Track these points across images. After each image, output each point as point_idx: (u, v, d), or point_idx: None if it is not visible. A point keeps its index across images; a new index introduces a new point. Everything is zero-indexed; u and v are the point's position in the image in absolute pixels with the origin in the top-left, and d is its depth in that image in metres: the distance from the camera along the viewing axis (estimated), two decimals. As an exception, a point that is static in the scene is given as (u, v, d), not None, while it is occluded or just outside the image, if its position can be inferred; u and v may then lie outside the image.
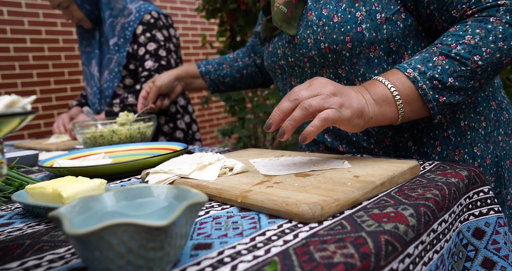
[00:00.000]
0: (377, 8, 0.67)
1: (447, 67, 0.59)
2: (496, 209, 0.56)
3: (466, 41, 0.59)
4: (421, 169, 0.61)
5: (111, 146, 0.95)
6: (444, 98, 0.60)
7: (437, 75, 0.59)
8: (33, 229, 0.46)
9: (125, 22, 1.42)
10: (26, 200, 0.51)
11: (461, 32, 0.60)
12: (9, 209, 0.56)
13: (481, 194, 0.57)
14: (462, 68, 0.59)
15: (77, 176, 0.57)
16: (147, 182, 0.63)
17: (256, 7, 2.74)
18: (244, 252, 0.35)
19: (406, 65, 0.61)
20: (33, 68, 2.92)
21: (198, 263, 0.33)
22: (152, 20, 1.41)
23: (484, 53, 0.58)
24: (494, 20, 0.59)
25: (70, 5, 1.39)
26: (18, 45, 2.83)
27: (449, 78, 0.59)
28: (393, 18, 0.67)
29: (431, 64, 0.60)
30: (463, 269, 0.53)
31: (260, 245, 0.36)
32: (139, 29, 1.40)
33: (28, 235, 0.44)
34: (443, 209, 0.46)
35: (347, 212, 0.43)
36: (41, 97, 2.97)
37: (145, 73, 1.39)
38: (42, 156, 1.06)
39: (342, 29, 0.68)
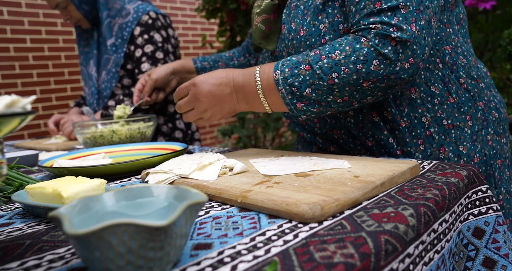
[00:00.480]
0: (339, 19, 0.67)
1: (307, 78, 0.62)
2: (494, 207, 0.56)
3: (333, 55, 0.61)
4: (421, 168, 0.61)
5: (111, 146, 0.95)
6: (302, 105, 0.64)
7: (296, 84, 0.63)
8: (33, 229, 0.46)
9: (123, 22, 1.41)
10: (26, 200, 0.51)
11: (337, 45, 0.62)
12: (9, 209, 0.56)
13: (479, 193, 0.57)
14: (320, 82, 0.61)
15: (77, 176, 0.57)
16: (147, 182, 0.63)
17: (256, 7, 2.73)
18: (244, 252, 0.35)
19: (280, 64, 0.66)
20: (33, 68, 2.92)
21: (198, 263, 0.33)
22: (150, 21, 1.40)
23: (342, 73, 0.60)
24: (364, 41, 0.60)
25: (68, 6, 1.39)
26: (18, 45, 2.83)
27: (307, 89, 0.62)
28: None
29: (296, 71, 0.63)
30: (465, 268, 0.53)
31: (260, 245, 0.36)
32: (137, 30, 1.39)
33: (28, 235, 0.44)
34: (443, 209, 0.46)
35: (347, 212, 0.43)
36: (41, 97, 2.97)
37: (141, 76, 1.39)
38: (42, 156, 1.06)
39: (308, 42, 0.70)
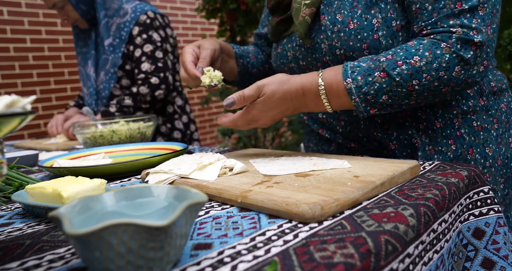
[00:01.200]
0: (392, 15, 0.66)
1: (384, 86, 0.61)
2: (496, 209, 0.56)
3: (412, 61, 0.60)
4: (421, 169, 0.61)
5: (111, 146, 0.95)
6: (375, 110, 0.64)
7: (372, 92, 0.61)
8: (33, 229, 0.46)
9: (121, 22, 1.41)
10: (26, 200, 0.51)
11: (413, 50, 0.61)
12: (9, 209, 0.56)
13: (481, 194, 0.57)
14: (398, 89, 0.61)
15: (77, 176, 0.57)
16: (147, 182, 0.63)
17: (256, 7, 2.74)
18: (244, 252, 0.35)
19: (350, 71, 0.63)
20: (33, 68, 2.92)
21: (198, 263, 0.33)
22: (148, 21, 1.40)
23: (424, 80, 0.60)
24: (444, 47, 0.59)
25: (65, 6, 1.38)
26: (18, 45, 2.83)
27: (383, 96, 0.61)
28: (407, 26, 0.67)
29: (370, 79, 0.61)
30: (463, 269, 0.53)
31: (260, 245, 0.36)
32: (135, 30, 1.39)
33: (28, 235, 0.44)
34: (443, 209, 0.46)
35: (347, 212, 0.43)
36: (41, 97, 2.97)
37: (142, 75, 1.38)
38: (42, 156, 1.06)
39: (359, 36, 0.67)
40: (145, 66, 1.38)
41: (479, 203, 0.56)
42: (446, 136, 0.72)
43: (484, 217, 0.55)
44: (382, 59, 0.62)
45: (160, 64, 1.39)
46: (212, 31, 4.30)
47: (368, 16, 0.67)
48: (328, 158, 0.66)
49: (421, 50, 0.60)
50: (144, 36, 1.39)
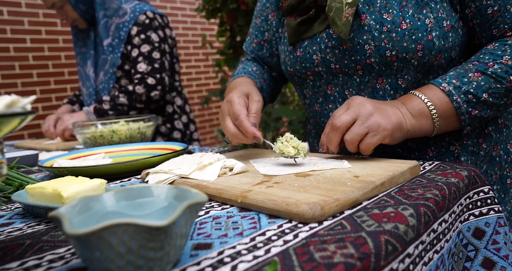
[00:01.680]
0: (442, 15, 0.65)
1: (482, 83, 0.61)
2: (496, 209, 0.56)
3: (503, 61, 0.61)
4: (421, 169, 0.61)
5: (111, 146, 0.95)
6: (477, 112, 0.62)
7: (471, 90, 0.61)
8: (33, 229, 0.46)
9: (120, 22, 1.40)
10: (26, 200, 0.51)
11: (499, 52, 0.62)
12: (9, 209, 0.56)
13: (481, 194, 0.57)
14: (498, 86, 0.61)
15: (77, 176, 0.57)
16: (147, 182, 0.63)
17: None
18: (244, 252, 0.35)
19: (440, 80, 0.63)
20: (33, 68, 2.92)
21: (198, 263, 0.33)
22: (147, 21, 1.40)
23: None
24: None
25: (64, 5, 1.38)
26: (18, 45, 2.83)
27: (484, 94, 0.61)
28: (455, 25, 0.67)
29: (466, 80, 0.62)
30: (463, 269, 0.53)
31: (260, 245, 0.36)
32: (134, 30, 1.39)
33: (28, 235, 0.44)
34: (443, 209, 0.46)
35: (347, 212, 0.43)
36: (41, 97, 2.97)
37: (138, 75, 1.38)
38: (42, 156, 1.06)
39: (413, 37, 0.65)
40: (142, 66, 1.38)
41: (479, 203, 0.56)
42: (476, 135, 0.72)
43: (484, 217, 0.55)
44: (469, 65, 0.63)
45: (156, 65, 1.39)
46: (212, 31, 4.30)
47: (421, 16, 0.65)
48: (328, 158, 0.66)
49: (508, 50, 0.61)
50: (142, 36, 1.39)
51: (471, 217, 0.55)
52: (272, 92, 0.97)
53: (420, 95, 0.63)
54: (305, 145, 0.62)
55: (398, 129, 0.60)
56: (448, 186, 0.50)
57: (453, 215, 0.50)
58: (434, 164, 0.63)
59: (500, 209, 0.56)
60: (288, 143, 0.62)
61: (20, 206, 0.58)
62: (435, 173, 0.57)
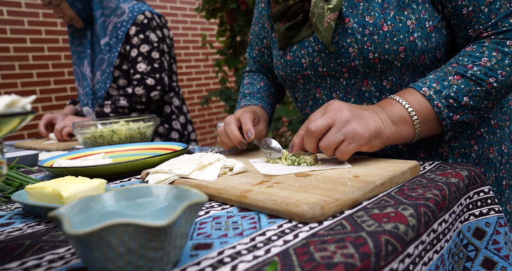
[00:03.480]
0: (424, 16, 0.65)
1: (462, 86, 0.60)
2: (496, 209, 0.56)
3: (482, 63, 0.60)
4: (421, 169, 0.61)
5: (111, 146, 0.95)
6: (458, 116, 0.61)
7: (452, 94, 0.60)
8: (33, 229, 0.46)
9: (118, 21, 1.40)
10: (26, 200, 0.51)
11: (477, 54, 0.61)
12: (9, 209, 0.56)
13: (481, 194, 0.57)
14: (477, 88, 0.60)
15: (77, 176, 0.57)
16: (147, 182, 0.63)
17: (256, 7, 2.73)
18: (244, 252, 0.35)
19: (421, 84, 0.62)
20: (33, 68, 2.92)
21: (198, 263, 0.33)
22: (145, 21, 1.39)
23: (500, 76, 0.59)
24: (510, 44, 0.60)
25: (61, 3, 1.37)
26: (18, 45, 2.83)
27: (464, 97, 0.60)
28: (439, 26, 0.67)
29: (446, 83, 0.61)
30: (464, 269, 0.53)
31: (260, 245, 0.36)
32: (132, 30, 1.39)
33: (28, 235, 0.44)
34: (443, 209, 0.46)
35: (347, 212, 0.43)
36: (41, 97, 2.97)
37: (138, 76, 1.38)
38: (42, 156, 1.06)
39: (395, 39, 0.65)
40: (141, 66, 1.38)
41: (479, 203, 0.56)
42: (468, 136, 0.72)
43: (484, 217, 0.55)
44: (448, 68, 0.62)
45: (156, 65, 1.39)
46: (212, 31, 4.30)
47: (402, 18, 0.65)
48: (328, 158, 0.66)
49: (486, 52, 0.61)
50: (141, 36, 1.39)
51: (471, 217, 0.55)
52: (275, 104, 1.01)
53: (400, 101, 0.61)
54: (310, 157, 0.62)
55: (376, 137, 0.58)
56: (448, 186, 0.50)
57: (453, 215, 0.50)
58: (434, 164, 0.63)
59: (501, 209, 0.56)
60: (302, 156, 0.63)
61: (20, 206, 0.58)
62: (435, 173, 0.57)
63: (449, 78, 0.61)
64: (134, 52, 1.39)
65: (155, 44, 1.40)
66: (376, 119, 0.59)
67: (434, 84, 0.61)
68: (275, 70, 0.86)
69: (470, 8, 0.63)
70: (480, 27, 0.63)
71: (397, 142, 0.62)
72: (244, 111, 0.78)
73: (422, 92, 0.61)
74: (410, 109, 0.60)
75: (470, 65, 0.61)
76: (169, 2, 3.95)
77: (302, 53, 0.76)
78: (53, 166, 0.74)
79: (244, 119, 0.75)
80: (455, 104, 0.60)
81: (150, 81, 1.37)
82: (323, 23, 0.68)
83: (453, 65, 0.62)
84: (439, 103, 0.60)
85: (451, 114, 0.61)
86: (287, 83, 0.85)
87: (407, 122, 0.61)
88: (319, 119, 0.57)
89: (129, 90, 1.36)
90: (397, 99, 0.62)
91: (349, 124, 0.56)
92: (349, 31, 0.68)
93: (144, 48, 1.38)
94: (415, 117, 0.60)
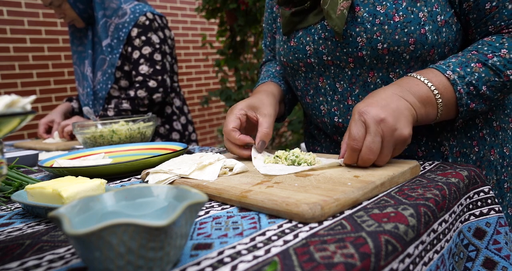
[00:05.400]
0: (437, 9, 0.65)
1: (483, 75, 0.60)
2: (496, 209, 0.56)
3: (502, 54, 0.60)
4: (421, 169, 0.61)
5: (111, 146, 0.95)
6: (474, 105, 0.61)
7: (474, 82, 0.60)
8: (33, 229, 0.46)
9: (119, 22, 1.40)
10: (26, 200, 0.51)
11: (497, 44, 0.61)
12: (9, 209, 0.56)
13: (481, 194, 0.57)
14: (496, 79, 0.60)
15: (77, 176, 0.57)
16: (147, 182, 0.63)
17: (256, 7, 2.74)
18: (244, 252, 0.35)
19: (444, 67, 0.61)
20: (33, 68, 2.92)
21: (198, 263, 0.33)
22: (147, 22, 1.39)
23: None
24: None
25: (62, 4, 1.37)
26: (18, 45, 2.83)
27: (483, 86, 0.60)
28: (450, 21, 0.66)
29: (469, 70, 0.61)
30: (464, 269, 0.53)
31: (260, 245, 0.36)
32: (134, 31, 1.38)
33: (28, 235, 0.44)
34: (443, 209, 0.46)
35: (347, 212, 0.43)
36: (41, 97, 2.97)
37: (140, 78, 1.38)
38: (42, 156, 1.06)
39: (406, 30, 0.64)
40: (143, 69, 1.38)
41: (479, 203, 0.56)
42: (470, 137, 0.72)
43: (484, 217, 0.55)
44: (469, 54, 0.62)
45: (158, 67, 1.39)
46: (212, 31, 4.30)
47: (415, 9, 0.64)
48: (327, 158, 0.66)
49: (506, 44, 0.61)
50: (143, 38, 1.38)
51: (472, 217, 0.55)
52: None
53: (426, 82, 0.60)
54: (309, 157, 0.62)
55: (410, 125, 0.57)
56: (448, 186, 0.50)
57: (453, 215, 0.50)
58: (434, 164, 0.62)
59: (501, 209, 0.56)
60: (297, 158, 0.62)
61: (20, 206, 0.58)
62: (435, 173, 0.57)
63: (472, 65, 0.61)
64: (136, 54, 1.39)
65: (157, 46, 1.40)
66: (409, 108, 0.58)
67: (458, 69, 0.61)
68: (277, 56, 0.84)
69: (494, 3, 0.63)
70: (502, 23, 0.63)
71: (421, 124, 0.62)
72: (233, 120, 0.71)
73: (447, 75, 0.60)
74: (436, 92, 0.60)
75: (491, 54, 0.61)
76: (169, 2, 3.95)
77: (308, 40, 0.74)
78: (53, 166, 0.74)
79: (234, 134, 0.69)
80: (474, 92, 0.60)
81: (152, 83, 1.37)
82: (336, 11, 0.66)
83: (473, 52, 0.62)
84: (462, 89, 0.60)
85: (469, 101, 0.61)
86: (287, 71, 0.83)
87: (432, 104, 0.60)
88: (371, 144, 0.54)
89: (132, 93, 1.36)
90: (422, 80, 0.61)
91: (395, 132, 0.55)
92: (359, 20, 0.67)
93: (146, 50, 1.38)
94: (440, 100, 0.60)
